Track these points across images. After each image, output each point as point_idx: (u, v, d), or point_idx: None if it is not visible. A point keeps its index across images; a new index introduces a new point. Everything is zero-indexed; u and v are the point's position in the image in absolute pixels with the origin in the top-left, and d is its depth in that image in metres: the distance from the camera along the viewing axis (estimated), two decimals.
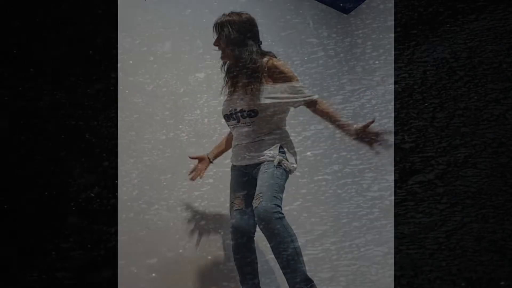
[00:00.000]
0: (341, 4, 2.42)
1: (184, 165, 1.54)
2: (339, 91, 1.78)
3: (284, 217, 1.22)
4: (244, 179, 1.38)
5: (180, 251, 1.54)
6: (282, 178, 1.29)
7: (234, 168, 1.44)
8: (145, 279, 1.45)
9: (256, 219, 1.23)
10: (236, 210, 1.33)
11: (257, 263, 1.36)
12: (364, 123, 1.31)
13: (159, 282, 1.47)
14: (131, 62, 1.63)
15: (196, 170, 1.49)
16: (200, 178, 1.49)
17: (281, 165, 1.30)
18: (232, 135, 1.46)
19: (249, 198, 1.33)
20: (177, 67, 1.73)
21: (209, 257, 1.56)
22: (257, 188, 1.26)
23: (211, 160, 1.51)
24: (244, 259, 1.33)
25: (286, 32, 1.86)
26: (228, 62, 1.41)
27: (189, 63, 1.75)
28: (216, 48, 1.40)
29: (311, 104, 1.37)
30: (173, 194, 1.58)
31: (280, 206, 1.22)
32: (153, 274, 1.47)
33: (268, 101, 1.32)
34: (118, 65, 1.43)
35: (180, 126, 1.67)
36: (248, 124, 1.33)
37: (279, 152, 1.32)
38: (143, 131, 1.63)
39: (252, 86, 1.31)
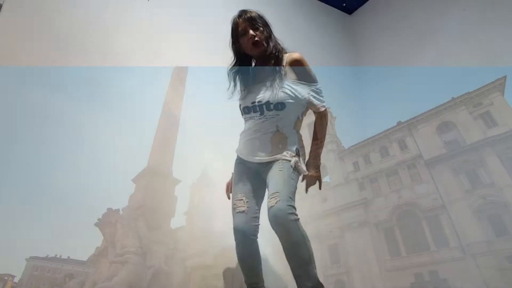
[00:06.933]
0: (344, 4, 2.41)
1: None
2: None
3: (299, 219, 1.17)
4: (250, 176, 1.35)
5: None
6: (296, 181, 1.27)
7: (241, 162, 1.39)
8: None
9: (271, 218, 1.17)
10: (238, 212, 1.30)
11: (261, 264, 1.35)
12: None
13: None
14: None
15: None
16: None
17: (296, 167, 1.27)
18: None
19: (251, 198, 1.32)
20: None
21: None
22: (272, 186, 1.22)
23: None
24: (248, 260, 1.32)
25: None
26: (246, 56, 1.39)
27: None
28: (232, 44, 1.39)
29: (321, 114, 1.37)
30: None
31: (295, 208, 1.18)
32: None
33: (289, 93, 1.30)
34: None
35: None
36: (272, 117, 1.30)
37: (296, 154, 1.30)
38: None
39: (278, 79, 1.29)
